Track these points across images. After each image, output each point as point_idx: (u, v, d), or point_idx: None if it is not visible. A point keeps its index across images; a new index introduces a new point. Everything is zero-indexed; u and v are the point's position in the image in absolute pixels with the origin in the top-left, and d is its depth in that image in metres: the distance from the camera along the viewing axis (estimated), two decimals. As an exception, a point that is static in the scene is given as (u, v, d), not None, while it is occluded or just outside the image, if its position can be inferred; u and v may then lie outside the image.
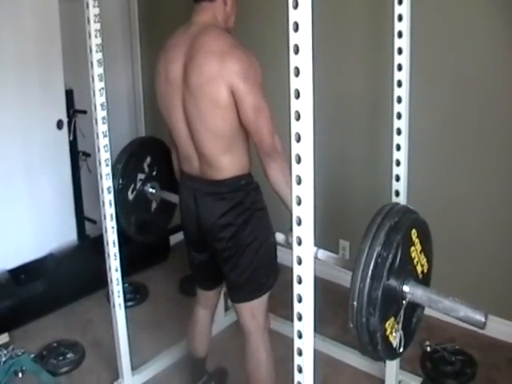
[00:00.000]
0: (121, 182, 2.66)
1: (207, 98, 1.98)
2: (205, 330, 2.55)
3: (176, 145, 2.23)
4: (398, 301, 1.57)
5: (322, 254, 2.05)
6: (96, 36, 2.22)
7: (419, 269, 1.66)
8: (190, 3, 2.13)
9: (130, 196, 2.74)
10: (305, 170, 1.35)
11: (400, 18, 2.14)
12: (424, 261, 1.68)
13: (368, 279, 1.47)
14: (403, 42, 2.16)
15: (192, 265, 2.43)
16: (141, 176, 2.77)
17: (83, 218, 3.94)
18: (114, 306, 2.55)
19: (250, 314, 2.23)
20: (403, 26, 2.14)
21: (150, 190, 2.79)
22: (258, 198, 2.19)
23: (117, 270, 2.52)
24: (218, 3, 2.10)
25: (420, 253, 1.65)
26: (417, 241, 1.63)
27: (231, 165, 2.10)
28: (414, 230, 1.61)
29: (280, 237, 2.26)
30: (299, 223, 1.40)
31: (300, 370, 1.51)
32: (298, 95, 1.31)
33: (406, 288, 1.56)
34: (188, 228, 2.29)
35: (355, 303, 1.46)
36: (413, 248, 1.61)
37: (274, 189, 2.05)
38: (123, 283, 2.58)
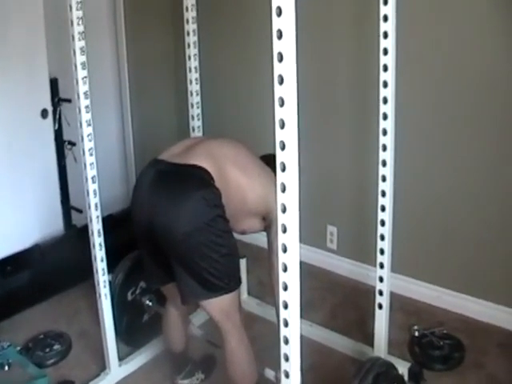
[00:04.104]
0: (123, 279, 2.77)
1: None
2: (178, 329, 2.52)
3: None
4: None
5: None
6: (78, 24, 2.20)
7: None
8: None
9: (129, 297, 2.85)
10: (290, 157, 1.32)
11: (385, 1, 2.13)
12: None
13: None
14: (388, 26, 2.15)
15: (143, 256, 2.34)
16: (143, 284, 2.86)
17: (69, 207, 3.90)
18: (99, 296, 2.54)
19: (224, 315, 2.15)
20: (388, 10, 2.13)
21: (147, 301, 2.87)
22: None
23: (102, 260, 2.50)
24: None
25: None
26: None
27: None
28: None
29: (269, 373, 2.26)
30: (284, 210, 1.39)
31: (287, 359, 1.50)
32: (281, 81, 1.29)
33: None
34: (138, 215, 2.15)
35: None
36: None
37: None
38: (109, 273, 2.56)
